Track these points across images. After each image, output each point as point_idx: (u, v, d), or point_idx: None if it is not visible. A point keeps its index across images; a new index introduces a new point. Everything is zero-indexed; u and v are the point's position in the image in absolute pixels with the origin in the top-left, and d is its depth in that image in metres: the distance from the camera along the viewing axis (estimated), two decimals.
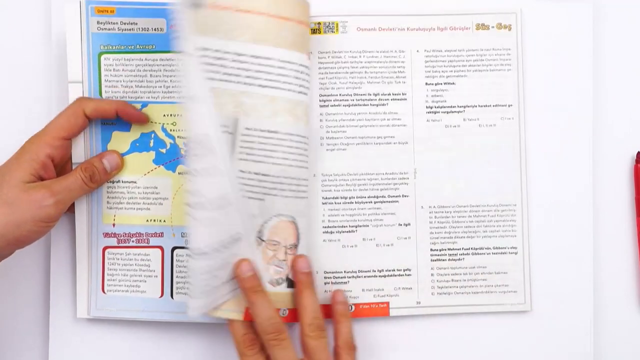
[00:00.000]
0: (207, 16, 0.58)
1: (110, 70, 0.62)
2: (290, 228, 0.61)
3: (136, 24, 0.62)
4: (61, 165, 0.61)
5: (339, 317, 0.60)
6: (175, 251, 0.63)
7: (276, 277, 0.61)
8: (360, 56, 0.65)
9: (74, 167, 0.62)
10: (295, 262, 0.60)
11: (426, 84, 0.65)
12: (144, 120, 0.62)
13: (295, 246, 0.61)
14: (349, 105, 0.64)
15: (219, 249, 0.58)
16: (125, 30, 0.62)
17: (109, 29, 0.62)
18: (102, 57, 0.62)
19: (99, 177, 0.61)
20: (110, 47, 0.62)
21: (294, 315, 0.60)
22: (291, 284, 0.61)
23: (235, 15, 0.58)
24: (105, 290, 0.63)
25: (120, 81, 0.63)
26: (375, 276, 0.64)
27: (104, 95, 0.62)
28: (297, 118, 0.60)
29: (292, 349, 0.57)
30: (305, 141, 0.61)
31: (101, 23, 0.62)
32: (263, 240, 0.60)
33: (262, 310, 0.57)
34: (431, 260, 0.64)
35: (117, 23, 0.62)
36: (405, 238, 0.64)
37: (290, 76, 0.59)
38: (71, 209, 0.63)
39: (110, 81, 0.62)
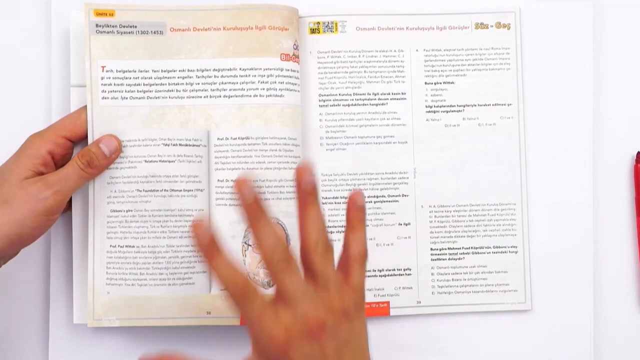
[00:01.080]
0: (168, 40, 0.61)
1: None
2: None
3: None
4: (61, 166, 0.61)
5: (356, 223, 0.50)
6: None
7: (267, 280, 0.61)
8: (359, 56, 0.65)
9: None
10: (298, 174, 0.48)
11: (425, 83, 0.65)
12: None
13: None
14: (349, 105, 0.64)
15: None
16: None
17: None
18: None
19: (98, 162, 0.59)
20: None
21: None
22: None
23: (195, 34, 0.62)
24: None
25: None
26: (375, 276, 0.64)
27: None
28: (268, 121, 0.61)
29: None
30: (287, 142, 0.61)
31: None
32: (249, 245, 0.61)
33: (269, 237, 0.47)
34: (431, 260, 0.64)
35: None
36: (406, 237, 0.64)
37: (255, 82, 0.61)
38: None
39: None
